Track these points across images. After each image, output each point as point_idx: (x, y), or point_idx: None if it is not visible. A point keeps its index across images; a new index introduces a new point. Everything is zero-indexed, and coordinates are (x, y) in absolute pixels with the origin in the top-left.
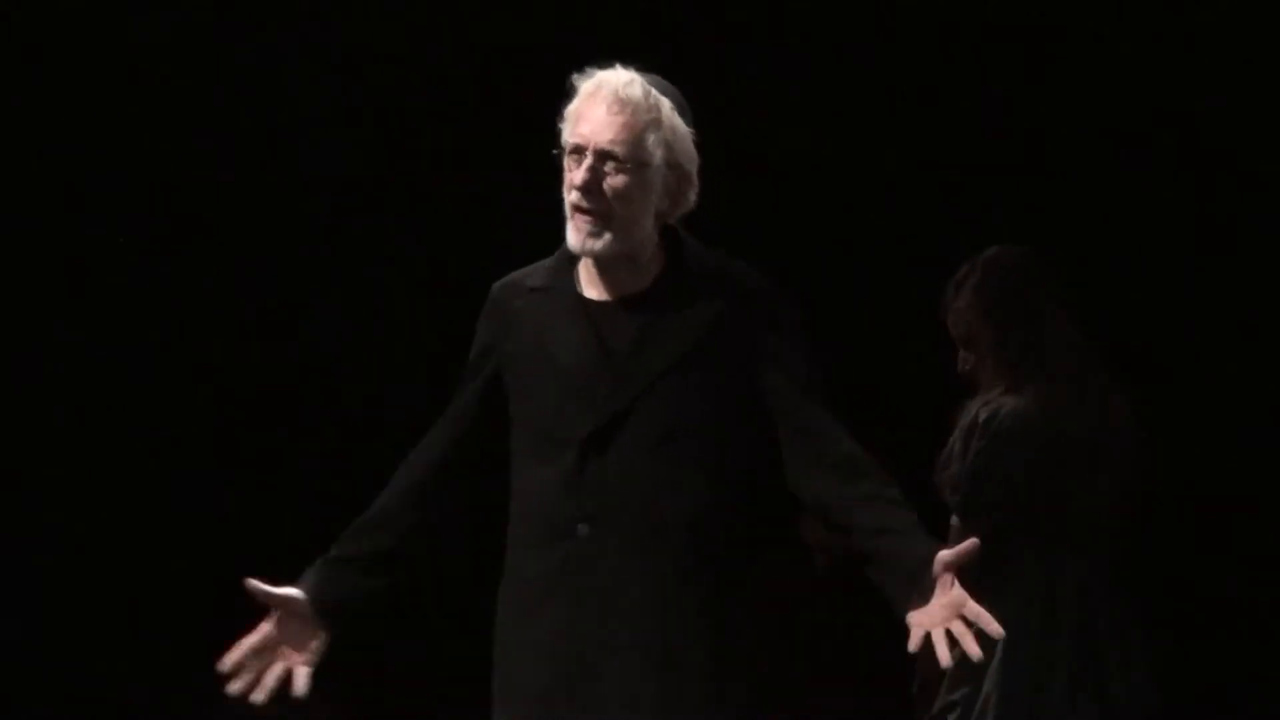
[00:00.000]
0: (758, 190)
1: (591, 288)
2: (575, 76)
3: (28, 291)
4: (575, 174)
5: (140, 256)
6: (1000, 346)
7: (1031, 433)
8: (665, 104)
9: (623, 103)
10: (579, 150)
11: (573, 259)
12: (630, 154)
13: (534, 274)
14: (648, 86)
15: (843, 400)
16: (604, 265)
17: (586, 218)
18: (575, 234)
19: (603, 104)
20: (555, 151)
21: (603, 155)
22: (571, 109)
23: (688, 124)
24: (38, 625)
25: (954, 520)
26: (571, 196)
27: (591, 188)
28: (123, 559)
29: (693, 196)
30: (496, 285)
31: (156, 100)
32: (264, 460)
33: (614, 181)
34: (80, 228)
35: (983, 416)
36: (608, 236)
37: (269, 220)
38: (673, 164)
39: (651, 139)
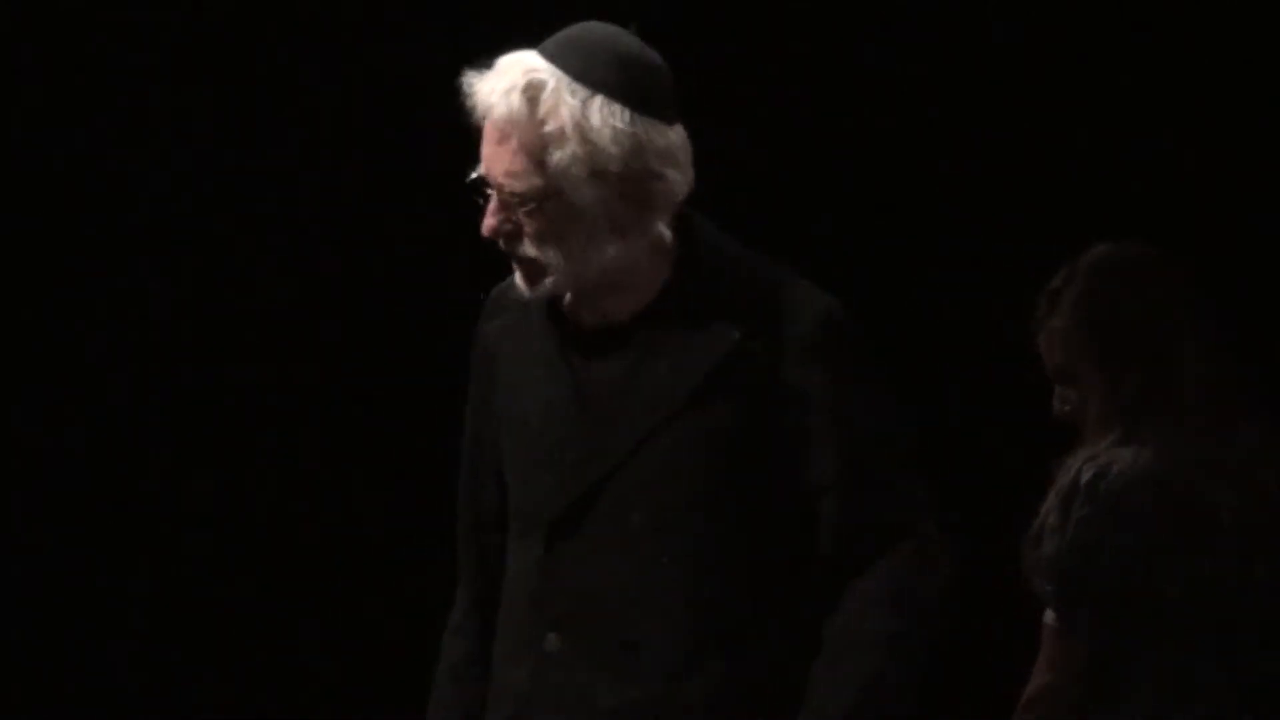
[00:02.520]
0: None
1: (575, 307)
2: (465, 77)
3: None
4: (484, 217)
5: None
6: (1112, 381)
7: (1155, 498)
8: (567, 99)
9: (503, 124)
10: (483, 185)
11: None
12: (532, 188)
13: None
14: (536, 79)
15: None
16: (580, 289)
17: (518, 266)
18: (517, 277)
19: (488, 126)
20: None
21: (503, 193)
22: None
23: (630, 99)
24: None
25: (1048, 616)
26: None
27: (501, 233)
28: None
29: (675, 180)
30: (491, 294)
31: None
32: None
33: (529, 227)
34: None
35: (1088, 476)
36: (548, 281)
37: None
38: (601, 170)
39: (557, 158)
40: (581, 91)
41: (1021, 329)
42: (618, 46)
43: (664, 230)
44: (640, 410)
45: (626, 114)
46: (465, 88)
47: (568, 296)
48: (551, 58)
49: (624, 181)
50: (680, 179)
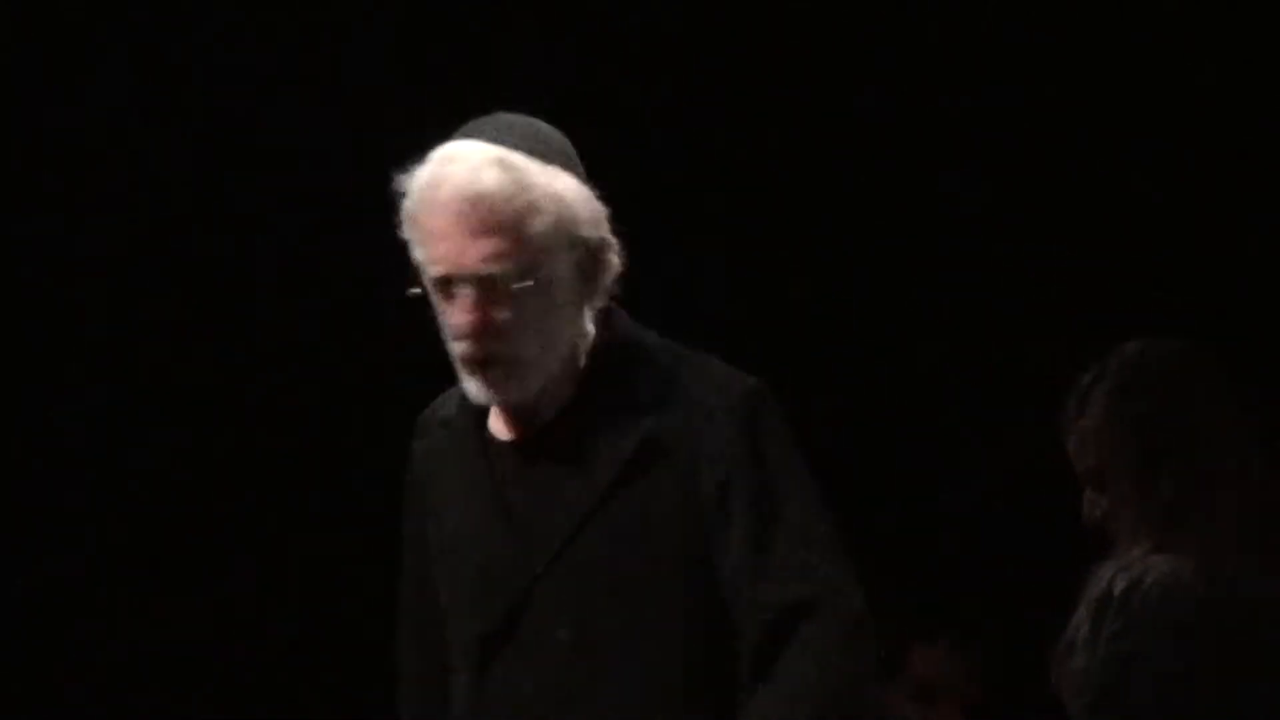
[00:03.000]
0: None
1: (499, 420)
2: (402, 173)
3: None
4: (455, 318)
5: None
6: (1146, 485)
7: (1193, 612)
8: (534, 168)
9: (476, 204)
10: (447, 282)
11: None
12: (517, 266)
13: (450, 398)
14: (504, 154)
15: (857, 554)
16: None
17: (485, 370)
18: (476, 386)
19: (449, 213)
20: (411, 292)
21: (480, 283)
22: (410, 215)
23: (575, 171)
24: None
25: None
26: (459, 347)
27: (479, 331)
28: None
29: (614, 258)
30: (421, 416)
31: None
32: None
33: (509, 313)
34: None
35: (1121, 587)
36: (520, 382)
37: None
38: (575, 241)
39: (535, 231)
40: (545, 164)
41: (1050, 430)
42: (545, 128)
43: (590, 318)
44: (556, 518)
45: (580, 182)
46: (411, 184)
47: (492, 409)
48: (493, 140)
49: (588, 252)
50: (616, 255)
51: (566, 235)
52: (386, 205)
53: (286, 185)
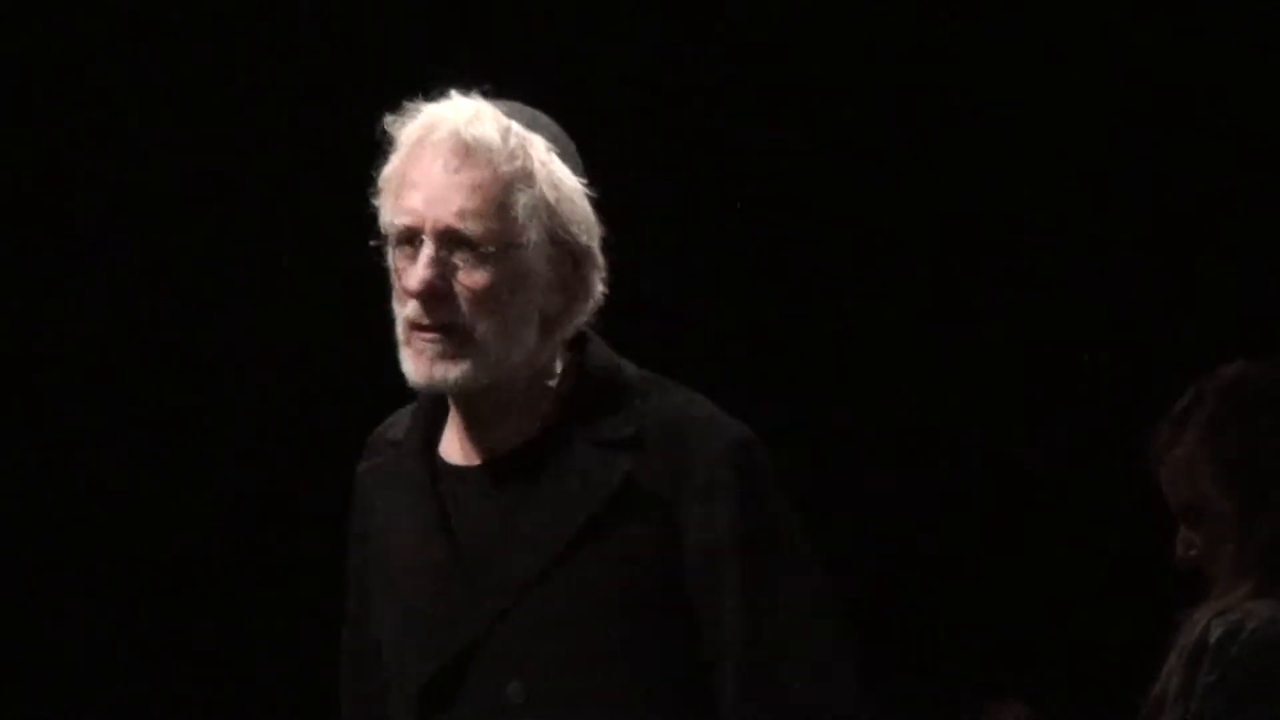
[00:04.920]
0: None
1: (454, 441)
2: (388, 119)
3: None
4: (409, 274)
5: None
6: (1247, 522)
7: None
8: (538, 143)
9: (469, 151)
10: (410, 236)
11: (438, 395)
12: (490, 231)
13: (401, 416)
14: (505, 120)
15: (849, 615)
16: (470, 407)
17: (431, 336)
18: (415, 359)
19: (438, 158)
20: (372, 243)
21: (448, 239)
22: (390, 171)
23: (577, 173)
24: None
25: None
26: (407, 309)
27: (436, 292)
28: None
29: (598, 283)
30: (371, 435)
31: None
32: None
33: (470, 279)
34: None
35: (1217, 635)
36: (466, 363)
37: None
38: (559, 238)
39: (522, 203)
40: (546, 143)
41: (1141, 460)
42: (549, 120)
43: (560, 345)
44: (514, 563)
45: (580, 183)
46: (403, 113)
47: (448, 426)
48: (497, 108)
49: (567, 256)
50: (599, 279)
51: (551, 225)
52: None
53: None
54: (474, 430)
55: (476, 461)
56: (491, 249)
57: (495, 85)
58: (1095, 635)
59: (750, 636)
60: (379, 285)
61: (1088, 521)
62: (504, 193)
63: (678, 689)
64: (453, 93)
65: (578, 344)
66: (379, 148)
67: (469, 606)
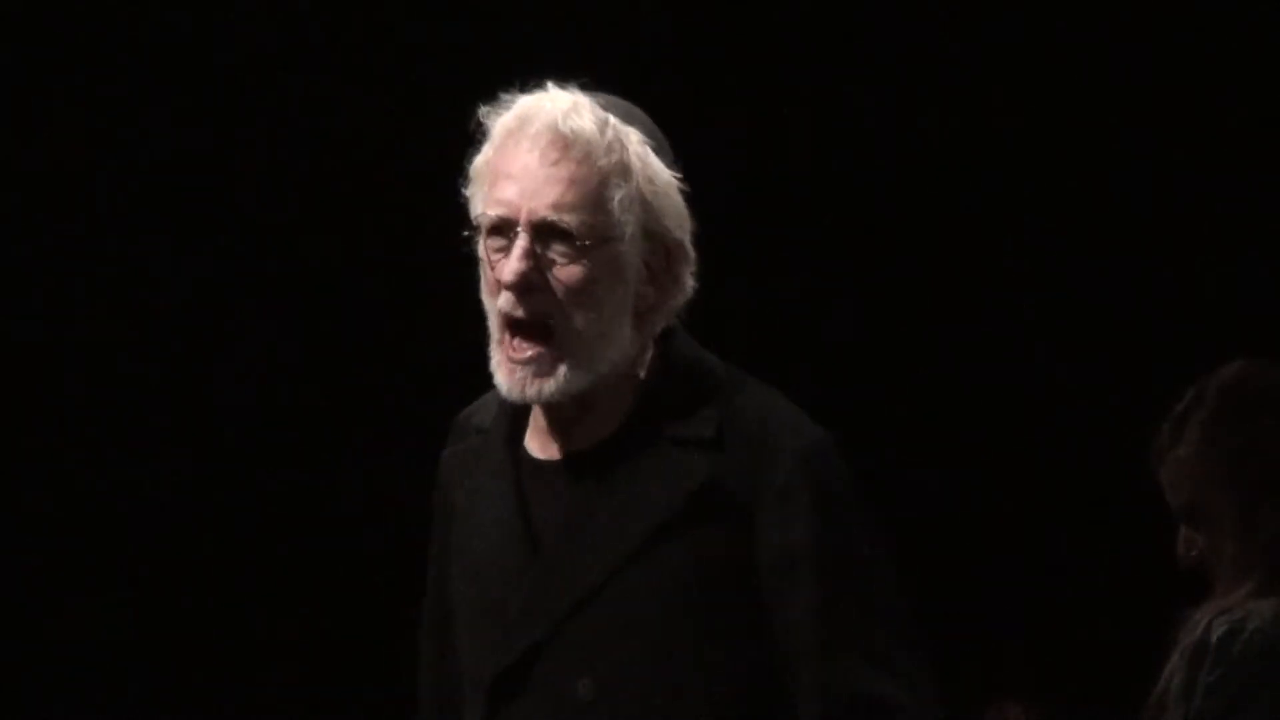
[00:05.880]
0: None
1: (537, 434)
2: (484, 109)
3: None
4: (503, 266)
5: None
6: (1248, 521)
7: None
8: (634, 136)
9: (567, 143)
10: (503, 228)
11: None
12: (587, 225)
13: (488, 402)
14: (602, 112)
15: (922, 620)
16: (557, 405)
17: (526, 343)
18: (508, 372)
19: (534, 150)
20: (465, 234)
21: (544, 231)
22: (483, 162)
23: (671, 167)
24: None
25: None
26: (500, 301)
27: (531, 284)
28: None
29: (689, 278)
30: (456, 418)
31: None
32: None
33: (566, 272)
34: None
35: (1219, 634)
36: (563, 370)
37: None
38: (653, 231)
39: (619, 197)
40: (641, 137)
41: (1142, 460)
42: (641, 112)
43: (649, 341)
44: (589, 559)
45: (674, 176)
46: (500, 105)
47: (532, 421)
48: (592, 99)
49: (662, 251)
50: (691, 272)
51: (646, 219)
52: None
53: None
54: (558, 425)
55: (558, 456)
56: (588, 242)
57: (587, 77)
58: (1096, 635)
59: (825, 644)
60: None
61: (1089, 521)
62: (601, 186)
63: (747, 693)
64: (549, 85)
65: (664, 337)
66: (470, 138)
67: (543, 602)
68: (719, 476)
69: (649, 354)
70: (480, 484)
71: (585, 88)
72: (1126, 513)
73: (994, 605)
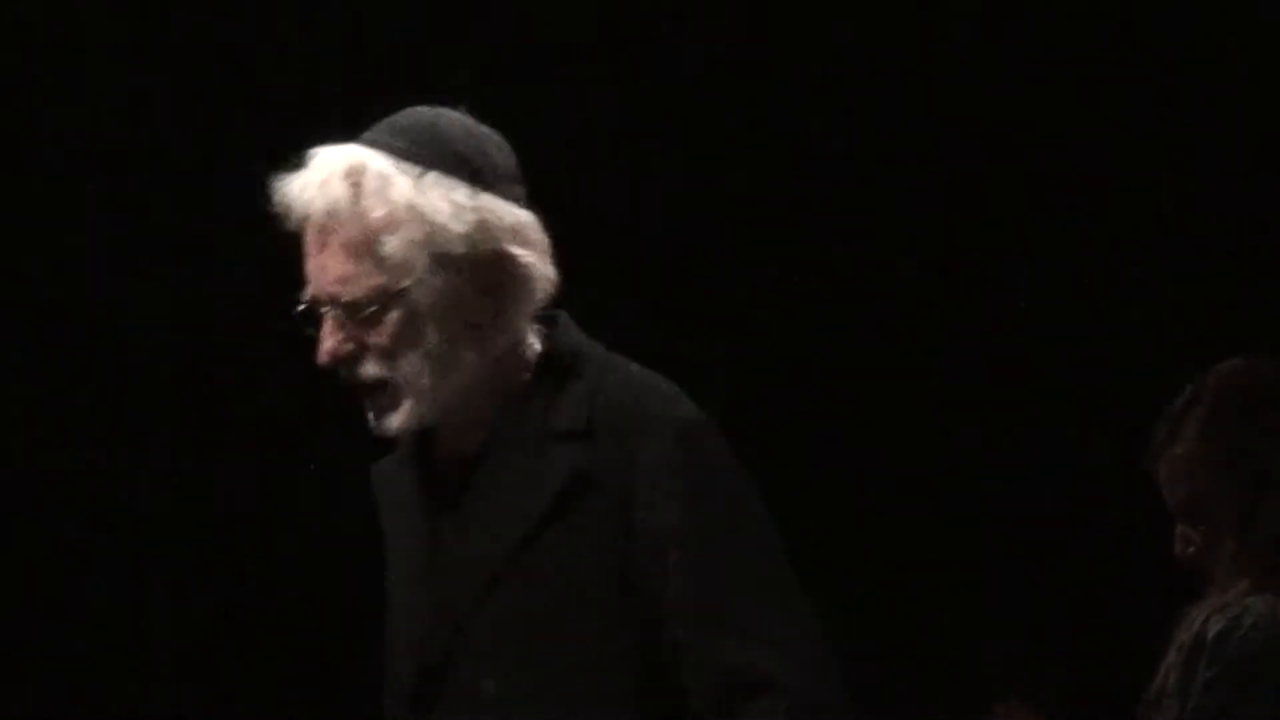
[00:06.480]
0: None
1: (438, 445)
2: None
3: None
4: (320, 344)
5: None
6: (1245, 518)
7: None
8: (399, 181)
9: (324, 225)
10: (313, 310)
11: None
12: (372, 289)
13: None
14: (356, 163)
15: (808, 583)
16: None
17: (370, 397)
18: (368, 417)
19: (308, 233)
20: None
21: (339, 306)
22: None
23: (469, 176)
24: None
25: None
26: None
27: (346, 357)
28: None
29: (535, 274)
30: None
31: None
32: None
33: (373, 337)
34: None
35: (1216, 631)
36: (408, 407)
37: None
38: (453, 256)
39: (392, 248)
40: (411, 169)
41: (1138, 458)
42: (448, 124)
43: (528, 332)
44: (476, 562)
45: (464, 189)
46: (276, 193)
47: (437, 431)
48: (372, 144)
49: (475, 268)
50: (537, 263)
51: (432, 253)
52: None
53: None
54: (447, 431)
55: (451, 464)
56: (377, 306)
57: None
58: (1101, 638)
59: (699, 621)
60: None
61: (1088, 521)
62: (369, 247)
63: (644, 678)
64: (317, 152)
65: (547, 327)
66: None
67: (443, 608)
68: (589, 466)
69: (533, 348)
70: (395, 498)
71: (386, 121)
72: (1125, 511)
73: (994, 605)
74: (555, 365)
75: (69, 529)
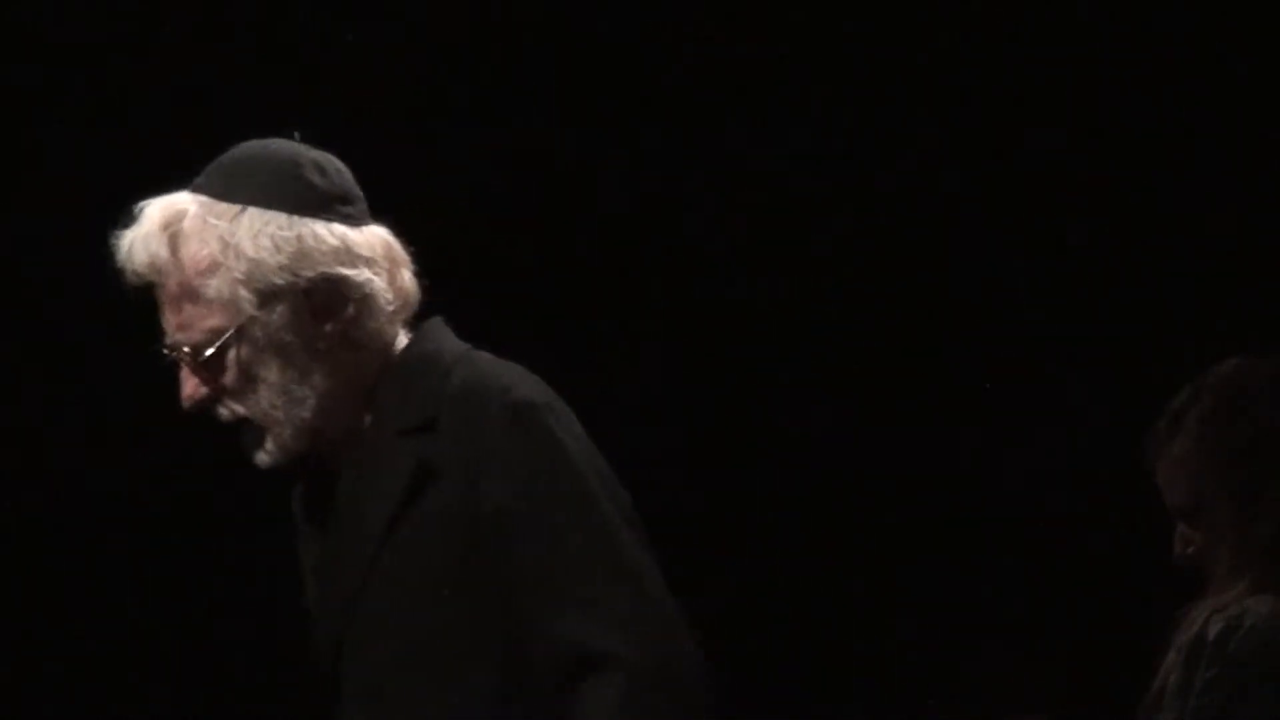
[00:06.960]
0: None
1: (321, 456)
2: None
3: None
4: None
5: None
6: (1245, 518)
7: None
8: (211, 222)
9: (154, 275)
10: (170, 355)
11: None
12: (204, 334)
13: None
14: (172, 212)
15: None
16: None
17: (239, 435)
18: (243, 451)
19: (155, 288)
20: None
21: (184, 355)
22: None
23: (278, 203)
24: None
25: None
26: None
27: (204, 401)
28: None
29: (366, 280)
30: None
31: None
32: None
33: (219, 381)
34: None
35: (1216, 631)
36: (269, 441)
37: None
38: (277, 288)
39: (213, 292)
40: (226, 210)
41: (1137, 457)
42: (267, 157)
43: (396, 342)
44: (347, 567)
45: (283, 218)
46: (115, 254)
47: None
48: (195, 188)
49: (306, 295)
50: (374, 278)
51: (257, 289)
52: None
53: None
54: (326, 448)
55: (333, 475)
56: (213, 349)
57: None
58: (1101, 638)
59: (537, 600)
60: None
61: (1087, 520)
62: (192, 295)
63: (508, 658)
64: (143, 205)
65: (411, 332)
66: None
67: (327, 618)
68: (433, 456)
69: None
70: (299, 516)
71: (216, 163)
72: (1125, 511)
73: (994, 606)
74: (407, 371)
75: (69, 529)
